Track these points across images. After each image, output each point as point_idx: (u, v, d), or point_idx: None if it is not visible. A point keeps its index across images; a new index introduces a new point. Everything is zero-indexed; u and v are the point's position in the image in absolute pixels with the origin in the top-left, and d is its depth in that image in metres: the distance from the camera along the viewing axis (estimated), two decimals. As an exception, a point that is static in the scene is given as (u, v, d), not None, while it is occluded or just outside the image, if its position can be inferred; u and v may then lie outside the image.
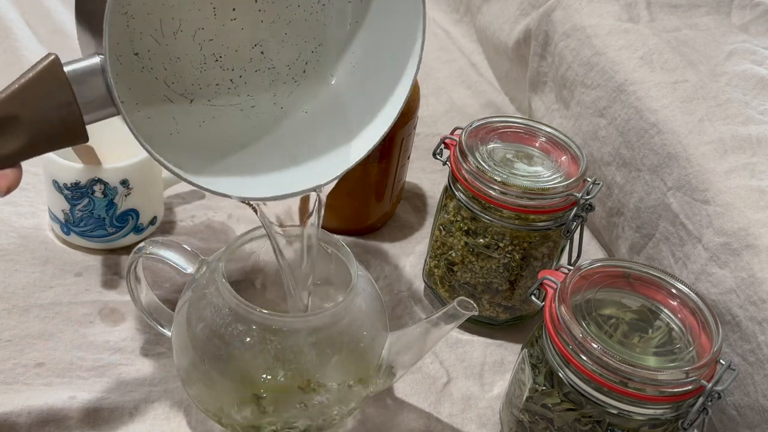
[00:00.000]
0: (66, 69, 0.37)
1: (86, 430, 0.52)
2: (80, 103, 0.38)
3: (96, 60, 0.37)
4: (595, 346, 0.45)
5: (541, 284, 0.52)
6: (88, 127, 0.39)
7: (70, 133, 0.38)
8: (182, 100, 0.45)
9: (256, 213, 0.47)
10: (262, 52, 0.46)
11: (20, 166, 0.40)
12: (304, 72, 0.48)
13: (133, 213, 0.65)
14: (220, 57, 0.45)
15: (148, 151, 0.39)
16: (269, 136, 0.47)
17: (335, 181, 0.46)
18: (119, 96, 0.38)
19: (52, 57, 0.37)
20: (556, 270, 0.52)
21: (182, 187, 0.74)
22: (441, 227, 0.64)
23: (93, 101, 0.38)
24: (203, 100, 0.46)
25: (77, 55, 0.39)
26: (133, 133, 0.38)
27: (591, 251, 0.75)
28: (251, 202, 0.46)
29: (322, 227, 0.54)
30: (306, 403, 0.49)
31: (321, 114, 0.48)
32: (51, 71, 0.37)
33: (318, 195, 0.48)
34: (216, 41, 0.45)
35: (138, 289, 0.54)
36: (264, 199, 0.44)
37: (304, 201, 0.48)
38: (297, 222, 0.50)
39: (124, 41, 0.42)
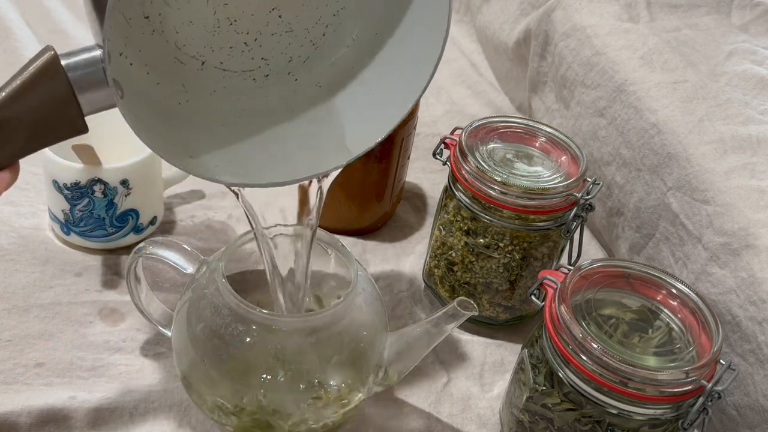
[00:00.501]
0: (63, 62, 0.37)
1: (86, 430, 0.52)
2: (79, 96, 0.37)
3: (96, 53, 0.37)
4: (595, 346, 0.45)
5: (541, 284, 0.52)
6: (89, 124, 0.39)
7: (69, 126, 0.38)
8: (193, 62, 0.44)
9: (238, 198, 0.46)
10: (279, 16, 0.45)
11: (17, 165, 0.40)
12: (323, 35, 0.46)
13: (133, 213, 0.65)
14: (235, 21, 0.44)
15: (136, 132, 0.37)
16: (278, 113, 0.46)
17: (336, 172, 0.45)
18: (129, 59, 0.37)
19: (51, 54, 0.36)
20: (556, 270, 0.52)
21: (182, 187, 0.74)
22: (441, 227, 0.64)
23: (93, 94, 0.37)
24: (215, 62, 0.45)
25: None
26: (124, 115, 0.37)
27: (591, 251, 0.75)
28: (235, 188, 0.45)
29: (323, 227, 0.54)
30: (306, 403, 0.48)
31: (334, 88, 0.46)
32: (49, 69, 0.36)
33: (320, 186, 0.47)
34: (231, 5, 0.43)
35: (138, 289, 0.54)
36: (261, 186, 0.43)
37: (304, 193, 0.48)
38: (292, 220, 0.49)
39: (134, 4, 0.40)
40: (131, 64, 0.40)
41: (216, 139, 0.44)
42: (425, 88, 0.43)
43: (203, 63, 0.44)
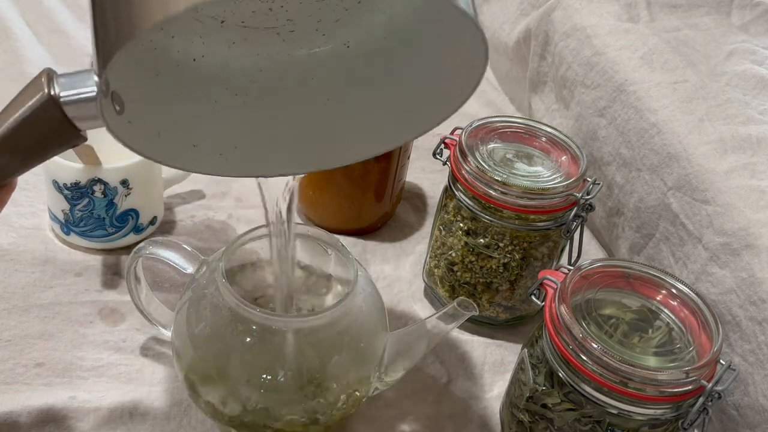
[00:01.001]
0: (56, 91, 0.35)
1: (86, 430, 0.52)
2: (75, 121, 0.36)
3: (92, 89, 0.36)
4: (595, 346, 0.45)
5: (541, 284, 0.52)
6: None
7: (66, 143, 0.38)
8: (212, 21, 0.42)
9: (261, 191, 0.44)
10: None
11: (12, 182, 0.40)
12: (358, 3, 0.43)
13: (133, 213, 0.65)
14: None
15: (130, 144, 0.36)
16: (295, 82, 0.43)
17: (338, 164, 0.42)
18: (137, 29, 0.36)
19: (45, 95, 0.36)
20: (556, 270, 0.52)
21: (182, 187, 0.74)
22: (441, 227, 0.64)
23: (89, 118, 0.36)
24: (236, 22, 0.42)
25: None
26: (118, 132, 0.35)
27: (591, 251, 0.75)
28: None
29: (323, 227, 0.55)
30: (306, 403, 0.48)
31: (364, 52, 0.43)
32: (44, 108, 0.36)
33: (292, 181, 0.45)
34: None
35: (138, 289, 0.54)
36: (259, 176, 0.42)
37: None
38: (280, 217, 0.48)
39: None
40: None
41: (226, 117, 0.42)
42: (454, 110, 0.39)
43: (223, 22, 0.42)
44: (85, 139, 0.39)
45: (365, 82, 0.43)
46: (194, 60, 0.41)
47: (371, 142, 0.43)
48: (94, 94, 0.35)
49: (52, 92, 0.36)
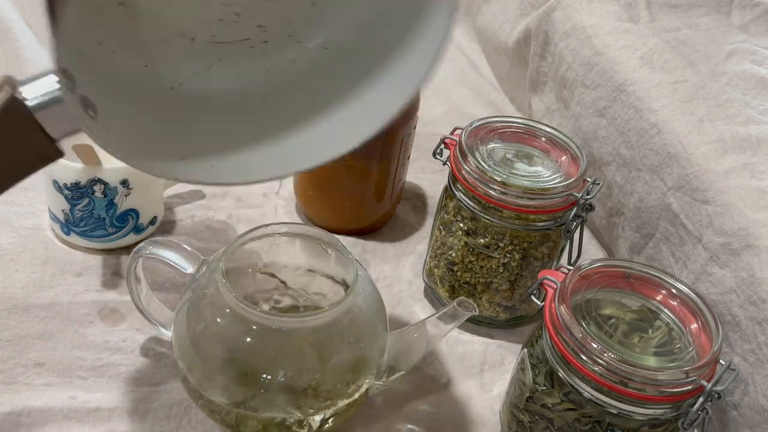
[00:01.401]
0: (22, 96, 0.35)
1: (86, 430, 0.52)
2: (48, 128, 0.35)
3: (55, 88, 0.35)
4: (595, 346, 0.45)
5: (541, 284, 0.52)
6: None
7: (42, 158, 0.37)
8: (182, 40, 0.40)
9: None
10: None
11: None
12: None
13: (133, 213, 0.65)
14: None
15: (113, 152, 0.36)
16: (280, 93, 0.43)
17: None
18: (110, 47, 0.33)
19: (9, 97, 0.34)
20: (556, 270, 0.52)
21: (182, 187, 0.74)
22: (441, 227, 0.64)
23: (61, 123, 0.35)
24: (206, 37, 0.41)
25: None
26: (97, 137, 0.35)
27: (591, 251, 0.75)
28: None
29: (323, 227, 0.54)
30: (306, 403, 0.49)
31: (344, 49, 0.42)
32: (10, 111, 0.35)
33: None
34: None
35: (138, 289, 0.54)
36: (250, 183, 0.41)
37: None
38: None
39: None
40: (113, 51, 0.38)
41: (212, 132, 0.41)
42: (425, 79, 0.39)
43: (193, 39, 0.41)
44: (63, 154, 0.37)
45: (351, 74, 0.43)
46: (172, 88, 0.40)
47: (361, 127, 0.42)
48: (60, 93, 0.34)
49: (17, 96, 0.35)
